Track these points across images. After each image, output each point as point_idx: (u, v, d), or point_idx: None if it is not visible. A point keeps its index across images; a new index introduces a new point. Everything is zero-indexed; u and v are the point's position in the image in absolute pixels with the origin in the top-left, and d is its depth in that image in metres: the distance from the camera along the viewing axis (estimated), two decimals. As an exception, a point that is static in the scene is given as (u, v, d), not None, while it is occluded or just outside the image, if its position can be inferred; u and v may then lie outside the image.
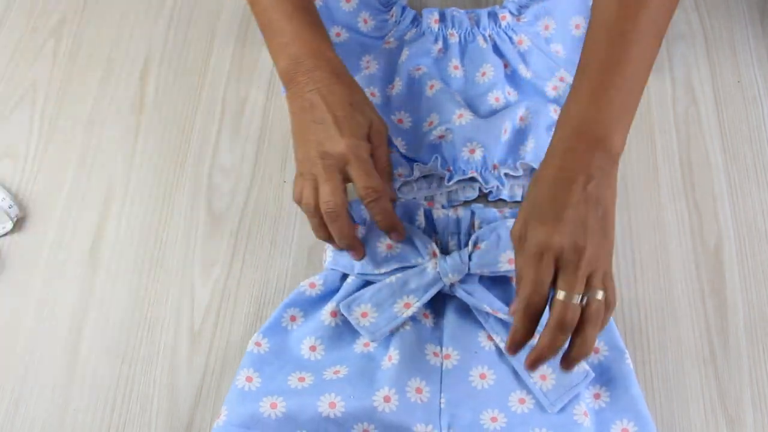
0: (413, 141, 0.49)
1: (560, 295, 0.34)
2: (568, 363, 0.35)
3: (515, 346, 0.36)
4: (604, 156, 0.36)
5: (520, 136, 0.49)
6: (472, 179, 0.48)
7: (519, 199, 0.49)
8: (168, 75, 0.55)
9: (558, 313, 0.34)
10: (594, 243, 0.34)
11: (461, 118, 0.48)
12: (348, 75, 0.44)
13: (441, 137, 0.48)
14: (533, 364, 0.35)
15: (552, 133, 0.47)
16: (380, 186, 0.41)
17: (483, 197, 0.49)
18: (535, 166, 0.47)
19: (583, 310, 0.34)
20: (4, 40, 0.56)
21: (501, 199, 0.49)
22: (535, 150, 0.48)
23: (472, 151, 0.47)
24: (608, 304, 0.35)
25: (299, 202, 0.42)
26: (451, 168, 0.48)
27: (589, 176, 0.35)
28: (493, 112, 0.50)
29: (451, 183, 0.47)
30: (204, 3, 0.58)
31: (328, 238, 0.43)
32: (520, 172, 0.48)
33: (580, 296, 0.34)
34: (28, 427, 0.43)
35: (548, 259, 0.34)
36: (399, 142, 0.49)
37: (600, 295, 0.34)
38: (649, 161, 0.51)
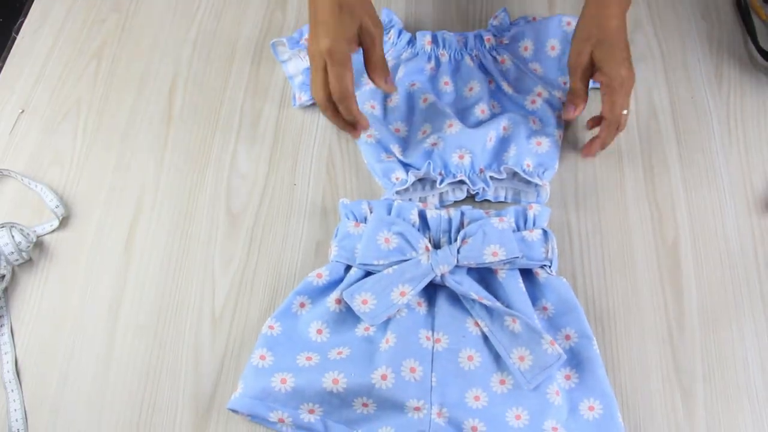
0: (409, 148, 0.47)
1: (625, 111, 0.43)
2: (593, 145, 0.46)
3: (573, 112, 0.45)
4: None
5: (503, 143, 0.46)
6: (461, 182, 0.45)
7: (502, 199, 0.46)
8: (193, 91, 0.52)
9: (624, 122, 0.44)
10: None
11: (451, 127, 0.45)
12: None
13: (434, 144, 0.45)
14: (593, 151, 0.46)
15: (532, 141, 0.46)
16: (347, 90, 0.40)
17: (470, 198, 0.46)
18: (517, 170, 0.45)
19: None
20: (54, 62, 0.53)
21: (486, 200, 0.46)
22: (516, 156, 0.45)
23: (461, 157, 0.45)
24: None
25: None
26: (443, 172, 0.45)
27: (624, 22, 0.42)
28: (479, 123, 0.47)
29: (442, 185, 0.44)
30: (224, 30, 0.55)
31: (344, 125, 0.44)
32: (504, 176, 0.45)
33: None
34: (74, 397, 0.40)
35: (626, 91, 0.42)
36: (396, 149, 0.46)
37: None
38: (616, 168, 0.48)
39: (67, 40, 0.54)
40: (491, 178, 0.45)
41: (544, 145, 0.45)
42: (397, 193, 0.45)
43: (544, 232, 0.41)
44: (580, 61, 0.42)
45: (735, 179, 0.47)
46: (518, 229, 0.41)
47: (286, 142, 0.49)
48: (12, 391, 0.40)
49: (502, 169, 0.45)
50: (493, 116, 0.47)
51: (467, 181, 0.45)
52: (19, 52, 0.54)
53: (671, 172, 0.47)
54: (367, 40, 0.40)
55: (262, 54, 0.53)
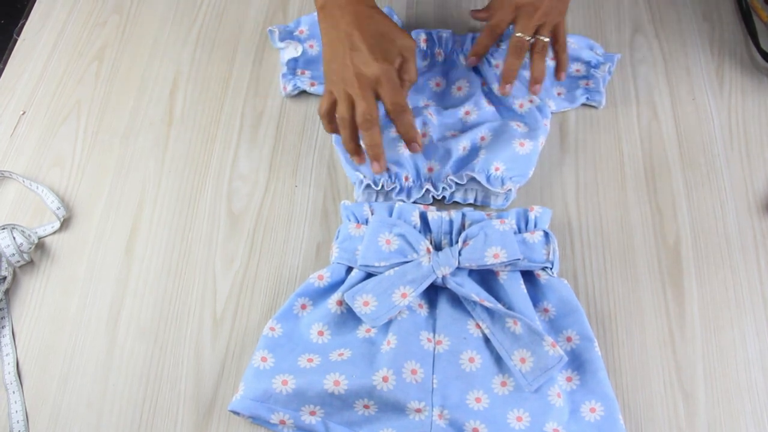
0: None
1: (517, 34, 0.44)
2: (533, 87, 0.45)
3: (476, 57, 0.47)
4: None
5: (475, 152, 0.46)
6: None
7: (471, 201, 0.46)
8: (194, 92, 0.52)
9: (512, 43, 0.44)
10: (549, 2, 0.42)
11: (424, 137, 0.46)
12: (377, 8, 0.43)
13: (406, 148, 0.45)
14: (506, 84, 0.45)
15: (515, 142, 0.45)
16: (405, 103, 0.42)
17: (439, 201, 0.46)
18: (477, 176, 0.44)
19: (533, 45, 0.44)
20: (55, 64, 0.53)
21: (455, 202, 0.46)
22: (484, 161, 0.44)
23: (431, 170, 0.45)
24: (561, 46, 0.45)
25: (325, 114, 0.43)
26: (409, 176, 0.45)
27: None
28: (461, 122, 0.47)
29: (407, 195, 0.45)
30: (225, 30, 0.55)
31: (355, 150, 0.44)
32: (464, 181, 0.45)
33: (530, 38, 0.43)
34: (75, 399, 0.40)
35: (511, 10, 0.43)
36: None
37: (545, 39, 0.44)
38: (618, 168, 0.48)
39: (68, 41, 0.54)
40: (455, 183, 0.45)
41: (527, 146, 0.44)
42: (365, 187, 0.45)
43: (546, 233, 0.41)
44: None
45: (736, 180, 0.47)
46: (519, 230, 0.41)
47: (288, 143, 0.49)
48: (13, 392, 0.40)
49: (463, 174, 0.44)
50: (476, 124, 0.47)
51: (431, 188, 0.45)
52: (20, 53, 0.54)
53: (672, 173, 0.47)
54: (405, 54, 0.43)
55: (263, 55, 0.53)
